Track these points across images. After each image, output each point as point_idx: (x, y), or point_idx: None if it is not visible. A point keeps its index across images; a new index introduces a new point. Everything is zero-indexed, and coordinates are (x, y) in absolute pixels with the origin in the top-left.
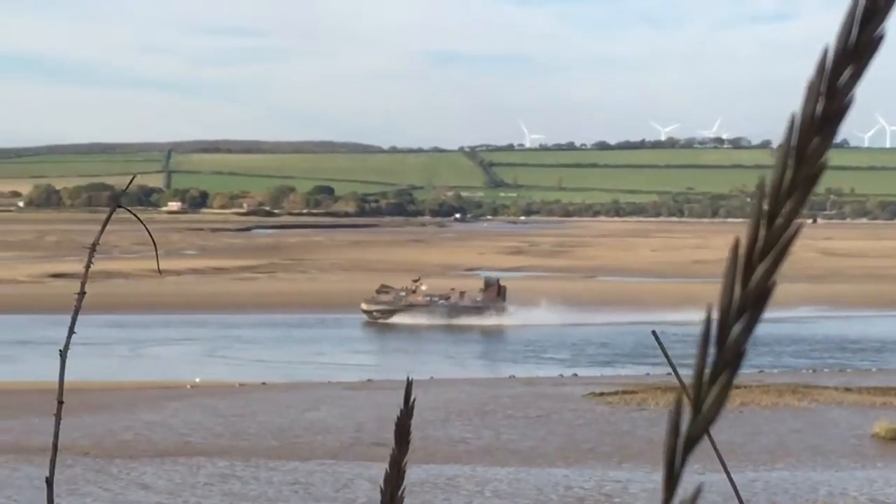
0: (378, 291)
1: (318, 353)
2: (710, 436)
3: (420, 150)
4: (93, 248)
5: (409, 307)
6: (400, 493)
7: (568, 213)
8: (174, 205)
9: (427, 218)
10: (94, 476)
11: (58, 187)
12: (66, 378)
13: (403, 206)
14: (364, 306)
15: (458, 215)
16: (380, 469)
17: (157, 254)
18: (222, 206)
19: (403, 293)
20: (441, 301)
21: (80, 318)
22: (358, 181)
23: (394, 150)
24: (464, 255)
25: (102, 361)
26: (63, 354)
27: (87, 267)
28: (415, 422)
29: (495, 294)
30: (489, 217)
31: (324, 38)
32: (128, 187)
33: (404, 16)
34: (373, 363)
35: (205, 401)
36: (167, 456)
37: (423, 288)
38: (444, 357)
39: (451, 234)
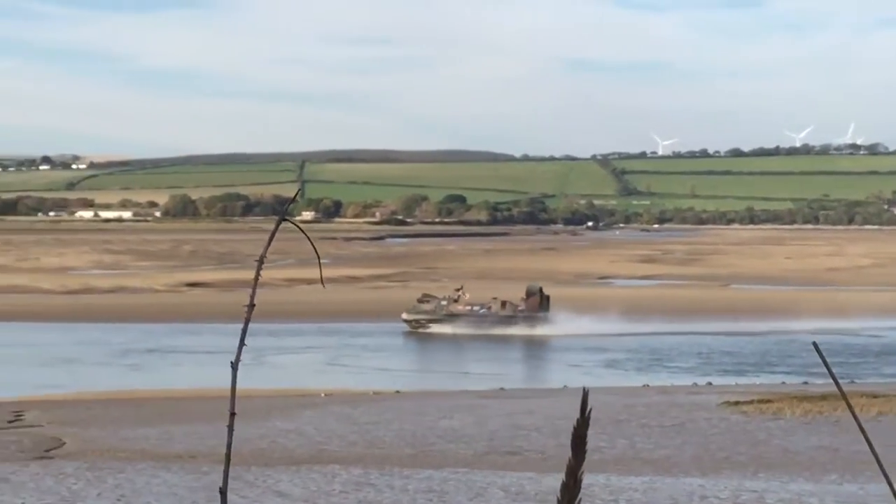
0: (419, 300)
1: (450, 361)
2: (871, 446)
3: (552, 159)
4: (260, 261)
5: (449, 317)
6: (577, 502)
7: (701, 221)
8: (308, 214)
9: (559, 226)
10: (231, 483)
11: (193, 197)
12: (202, 386)
13: (535, 215)
14: (405, 315)
15: (590, 223)
16: (513, 478)
17: (320, 265)
18: (355, 216)
19: (445, 302)
20: (482, 310)
21: (214, 326)
22: (490, 189)
23: (526, 159)
24: (596, 263)
25: (245, 370)
26: (234, 366)
27: (256, 279)
28: (548, 430)
29: (537, 303)
30: (622, 225)
31: (457, 47)
32: (294, 199)
33: (538, 23)
34: (502, 372)
35: (339, 409)
36: (302, 464)
37: (466, 297)
38: (567, 366)
39: (584, 243)
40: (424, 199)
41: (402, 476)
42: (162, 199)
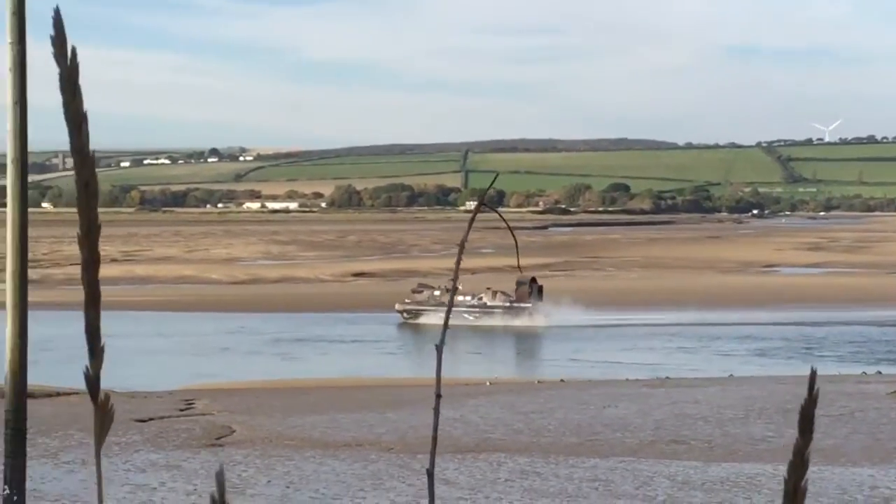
0: (414, 290)
1: (613, 350)
2: None
3: (716, 146)
4: (461, 246)
5: (439, 307)
6: (803, 482)
7: (869, 209)
8: (471, 204)
9: (724, 214)
10: (398, 471)
11: (358, 188)
12: (367, 374)
13: (700, 203)
14: (397, 306)
15: (755, 211)
16: (679, 467)
17: (517, 251)
18: (518, 205)
19: (438, 292)
20: (473, 301)
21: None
22: (653, 178)
23: (689, 147)
24: (761, 251)
25: (402, 358)
26: (439, 350)
27: (458, 263)
28: (713, 419)
29: (527, 293)
30: (787, 213)
31: (620, 35)
32: (489, 188)
33: (702, 10)
34: (662, 361)
35: (504, 398)
36: (468, 452)
37: (461, 287)
38: (720, 355)
39: (749, 231)
40: (588, 188)
41: (568, 465)
42: (327, 190)
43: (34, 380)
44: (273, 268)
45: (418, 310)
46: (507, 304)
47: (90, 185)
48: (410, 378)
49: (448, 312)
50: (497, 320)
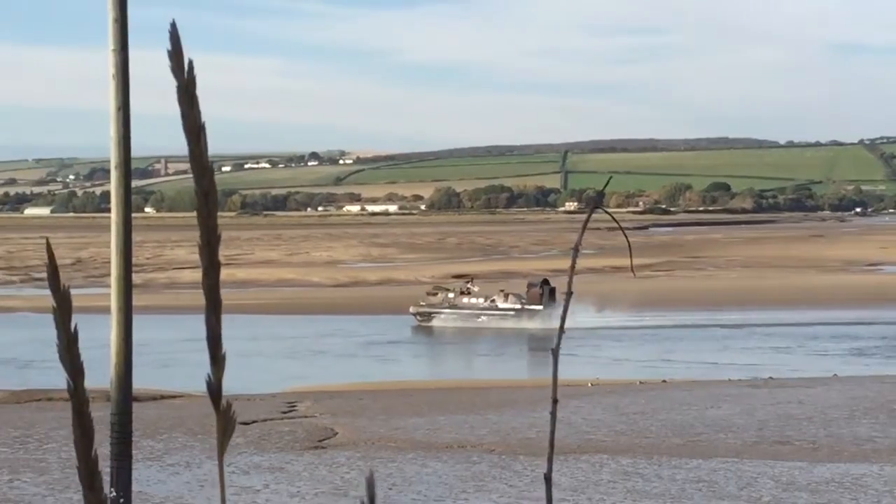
0: (429, 293)
1: (714, 350)
2: None
3: (818, 144)
4: (576, 249)
5: (451, 309)
6: None
7: None
8: (571, 205)
9: (826, 213)
10: (500, 473)
11: (458, 190)
12: (470, 377)
13: (801, 202)
14: (412, 308)
15: (858, 209)
16: (784, 468)
17: (630, 254)
18: (618, 205)
19: (452, 295)
20: (485, 303)
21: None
22: (754, 177)
23: (791, 145)
24: (865, 249)
25: (501, 361)
26: (555, 354)
27: (573, 267)
28: (818, 419)
29: (538, 295)
30: (891, 210)
31: (720, 33)
32: (604, 188)
33: (804, 8)
34: (761, 361)
35: (605, 398)
36: (570, 453)
37: (475, 289)
38: (816, 355)
39: (852, 229)
40: (688, 187)
41: (671, 466)
42: (427, 192)
43: (138, 383)
44: (373, 270)
45: (431, 312)
46: (519, 307)
47: (210, 195)
48: (511, 380)
49: (564, 316)
50: (509, 322)
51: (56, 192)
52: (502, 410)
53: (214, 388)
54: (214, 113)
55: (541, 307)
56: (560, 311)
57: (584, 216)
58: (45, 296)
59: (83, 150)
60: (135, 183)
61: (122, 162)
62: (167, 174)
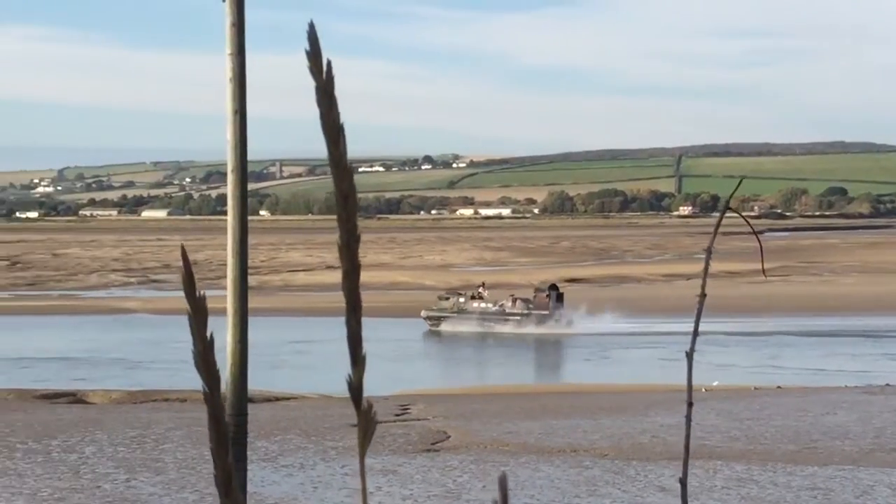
0: (440, 297)
1: (827, 356)
2: None
3: None
4: (709, 251)
5: (459, 314)
6: None
7: None
8: (685, 209)
9: None
10: (612, 478)
11: (571, 194)
12: (577, 381)
13: None
14: (423, 313)
15: None
16: None
17: (762, 256)
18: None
19: (463, 300)
20: (494, 308)
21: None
22: (872, 181)
23: None
24: None
25: (611, 364)
26: (689, 356)
27: (706, 270)
28: None
29: (545, 300)
30: None
31: (840, 36)
32: (734, 193)
33: None
34: (877, 369)
35: (719, 404)
36: None
37: (486, 294)
38: None
39: None
40: (804, 192)
41: (786, 473)
42: (540, 196)
43: (252, 384)
44: (486, 274)
45: (440, 316)
46: (526, 312)
47: (349, 197)
48: (623, 385)
49: (698, 318)
50: (517, 328)
51: (172, 194)
52: (615, 414)
53: (356, 389)
54: None
55: (547, 312)
56: (565, 315)
57: (698, 220)
58: (161, 297)
59: (199, 154)
60: (250, 186)
61: (239, 165)
62: (282, 177)
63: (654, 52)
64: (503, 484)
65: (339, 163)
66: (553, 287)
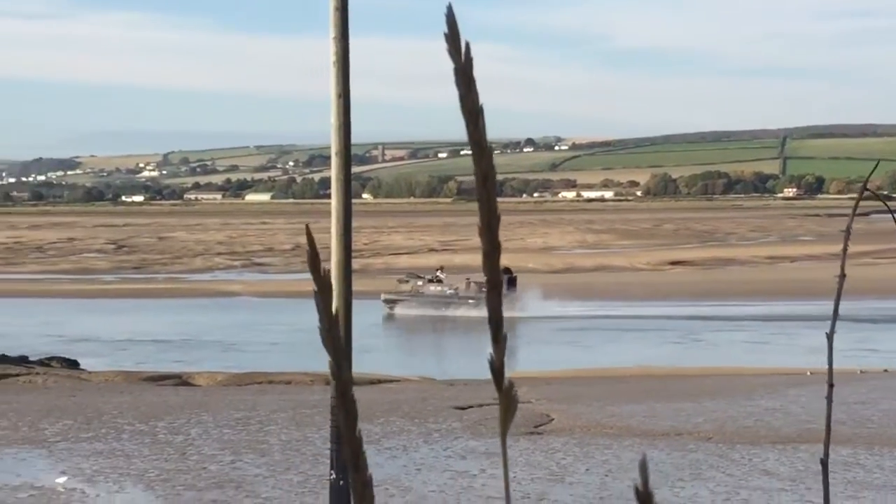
0: (399, 280)
1: None
2: None
3: None
4: (848, 232)
5: (414, 296)
6: None
7: None
8: (790, 191)
9: None
10: (717, 461)
11: (674, 176)
12: (688, 364)
13: None
14: (383, 296)
15: None
16: None
17: None
18: (839, 192)
19: (420, 283)
20: (449, 291)
21: (691, 305)
22: None
23: None
24: None
25: (710, 347)
26: (829, 338)
27: (845, 250)
28: None
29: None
30: None
31: None
32: (871, 174)
33: None
34: None
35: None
36: (788, 443)
37: (443, 277)
38: None
39: None
40: None
41: (893, 457)
42: (643, 178)
43: (355, 367)
44: (588, 256)
45: (396, 299)
46: (480, 295)
47: (489, 178)
48: (732, 368)
49: (837, 299)
50: (469, 311)
51: (276, 178)
52: (718, 397)
53: (497, 368)
54: (430, 99)
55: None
56: (515, 298)
57: (803, 202)
58: (264, 280)
59: (302, 137)
60: (353, 169)
61: (343, 149)
62: (384, 160)
63: (757, 34)
64: (644, 468)
65: (479, 143)
66: (506, 270)
